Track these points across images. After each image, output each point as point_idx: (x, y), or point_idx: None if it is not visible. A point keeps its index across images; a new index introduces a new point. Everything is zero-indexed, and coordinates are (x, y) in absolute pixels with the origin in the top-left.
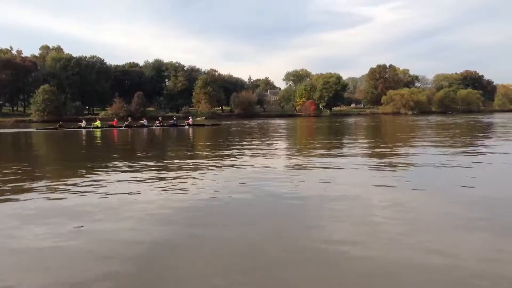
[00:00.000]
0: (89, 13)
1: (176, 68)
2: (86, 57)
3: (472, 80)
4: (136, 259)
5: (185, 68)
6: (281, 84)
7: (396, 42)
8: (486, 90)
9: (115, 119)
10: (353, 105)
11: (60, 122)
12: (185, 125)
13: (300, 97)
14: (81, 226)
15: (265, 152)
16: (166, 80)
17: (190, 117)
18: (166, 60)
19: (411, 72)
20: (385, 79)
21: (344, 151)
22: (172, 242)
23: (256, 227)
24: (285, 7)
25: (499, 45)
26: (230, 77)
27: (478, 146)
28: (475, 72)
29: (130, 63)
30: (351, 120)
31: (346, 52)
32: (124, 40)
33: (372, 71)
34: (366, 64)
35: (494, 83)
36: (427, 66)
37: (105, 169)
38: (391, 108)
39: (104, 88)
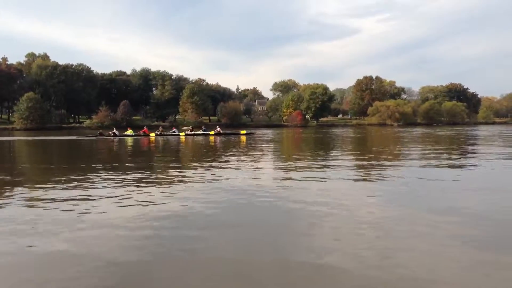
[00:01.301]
0: (76, 20)
1: (164, 77)
2: (72, 65)
3: (457, 93)
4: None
5: (172, 77)
6: (269, 94)
7: (383, 54)
8: (470, 103)
9: (145, 128)
10: (340, 116)
11: (100, 131)
12: (214, 134)
13: (287, 108)
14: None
15: (249, 164)
16: (154, 88)
17: (217, 126)
18: (154, 68)
19: (398, 84)
20: (372, 90)
21: (324, 163)
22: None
23: (244, 240)
24: (274, 18)
25: (483, 58)
26: (218, 86)
27: (463, 158)
28: (460, 84)
29: (117, 71)
30: (337, 131)
31: (334, 63)
32: (111, 48)
33: (359, 82)
34: (354, 75)
35: (478, 96)
36: (413, 78)
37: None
38: (377, 119)
39: (91, 96)
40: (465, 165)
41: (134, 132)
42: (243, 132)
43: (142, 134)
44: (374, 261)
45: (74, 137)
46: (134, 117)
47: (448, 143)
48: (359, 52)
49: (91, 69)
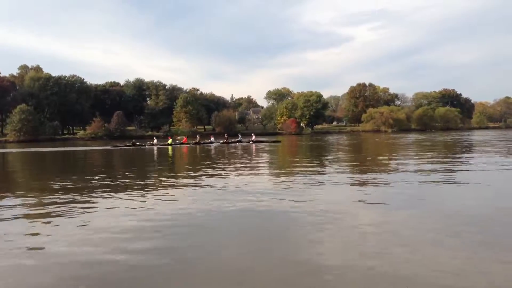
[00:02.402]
0: (70, 33)
1: (157, 87)
2: (65, 76)
3: (450, 98)
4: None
5: (166, 87)
6: (264, 103)
7: (377, 61)
8: (464, 108)
9: (184, 137)
10: (335, 123)
11: (133, 140)
12: (250, 142)
13: (281, 116)
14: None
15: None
16: (147, 99)
17: (252, 134)
18: (149, 79)
19: (391, 91)
20: (365, 97)
21: (316, 169)
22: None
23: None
24: (268, 27)
25: (475, 64)
26: (212, 95)
27: (456, 163)
28: (453, 90)
29: (111, 82)
30: (331, 138)
31: (328, 71)
32: (106, 59)
33: (352, 89)
34: (348, 82)
35: (472, 101)
36: (406, 84)
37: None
38: (371, 125)
39: (84, 107)
40: (462, 171)
41: (173, 141)
42: (278, 139)
43: (182, 143)
44: (376, 265)
45: (108, 147)
46: (128, 128)
47: (444, 149)
48: (352, 59)
49: (85, 80)
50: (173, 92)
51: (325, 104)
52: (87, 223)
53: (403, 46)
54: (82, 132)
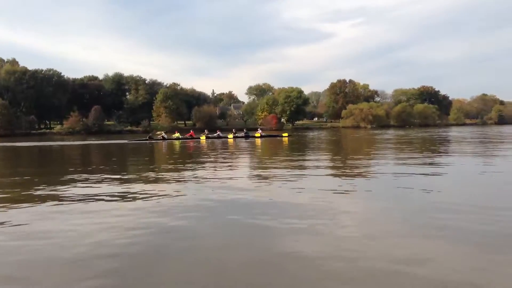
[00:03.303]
0: (48, 27)
1: (137, 81)
2: (42, 70)
3: (428, 95)
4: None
5: (146, 82)
6: (245, 98)
7: (358, 58)
8: (442, 105)
9: (191, 131)
10: (315, 119)
11: (150, 134)
12: (257, 137)
13: (262, 111)
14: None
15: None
16: (127, 93)
17: (259, 129)
18: (129, 73)
19: (371, 87)
20: (346, 93)
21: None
22: None
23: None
24: (250, 22)
25: (453, 61)
26: (193, 91)
27: (436, 158)
28: (432, 87)
29: (89, 76)
30: (311, 134)
31: (310, 67)
32: (86, 54)
33: (333, 85)
34: (329, 78)
35: (449, 98)
36: (386, 81)
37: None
38: (351, 122)
39: (62, 101)
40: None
41: (181, 135)
42: (285, 134)
43: (189, 137)
44: (358, 259)
45: (125, 141)
46: (106, 122)
47: (423, 145)
48: (334, 56)
49: (62, 74)
50: (153, 87)
51: (306, 100)
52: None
53: (384, 43)
54: (59, 126)
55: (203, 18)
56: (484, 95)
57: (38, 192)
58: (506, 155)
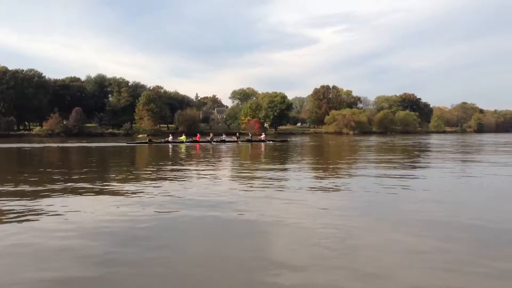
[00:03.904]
0: (27, 26)
1: (120, 83)
2: (23, 70)
3: (410, 102)
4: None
5: (129, 84)
6: (229, 102)
7: (342, 64)
8: (423, 112)
9: (198, 135)
10: (299, 124)
11: (150, 137)
12: (259, 140)
13: (245, 116)
14: None
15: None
16: (109, 95)
17: (263, 133)
18: (111, 75)
19: (354, 93)
20: (329, 99)
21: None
22: None
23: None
24: (235, 26)
25: (435, 69)
26: (176, 94)
27: (416, 165)
28: (413, 94)
29: (71, 77)
30: (295, 139)
31: (294, 72)
32: (67, 54)
33: (316, 91)
34: (313, 84)
35: (430, 106)
36: (369, 87)
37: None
38: (334, 127)
39: (42, 102)
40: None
41: (187, 138)
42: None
43: (195, 140)
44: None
45: (125, 144)
46: (87, 125)
47: (406, 153)
48: (318, 61)
49: (43, 75)
50: (136, 89)
51: (289, 105)
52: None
53: (367, 50)
54: (38, 128)
55: (187, 20)
56: (464, 103)
57: None
58: (480, 163)
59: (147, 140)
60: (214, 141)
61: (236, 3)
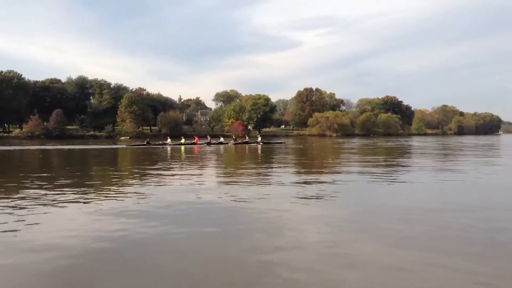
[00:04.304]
0: (10, 26)
1: (102, 85)
2: (2, 71)
3: (392, 105)
4: None
5: (111, 86)
6: (212, 105)
7: (324, 67)
8: (404, 115)
9: (196, 137)
10: (282, 126)
11: (148, 139)
12: (255, 143)
13: (228, 118)
14: None
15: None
16: (91, 97)
17: (258, 136)
18: (93, 77)
19: (337, 96)
20: (312, 102)
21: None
22: None
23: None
24: (217, 28)
25: (416, 73)
26: (159, 96)
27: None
28: (395, 97)
29: (51, 79)
30: (279, 141)
31: (277, 74)
32: (48, 55)
33: (299, 94)
34: (297, 86)
35: (412, 108)
36: (352, 90)
37: None
38: (317, 130)
39: (22, 104)
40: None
41: (186, 141)
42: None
43: (193, 143)
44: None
45: (124, 146)
46: (68, 127)
47: (390, 154)
48: (301, 64)
49: (22, 76)
50: (118, 91)
51: (273, 108)
52: None
53: (350, 53)
54: (17, 130)
55: (170, 22)
56: (445, 106)
57: None
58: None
59: (146, 142)
60: (212, 143)
61: (219, 6)
